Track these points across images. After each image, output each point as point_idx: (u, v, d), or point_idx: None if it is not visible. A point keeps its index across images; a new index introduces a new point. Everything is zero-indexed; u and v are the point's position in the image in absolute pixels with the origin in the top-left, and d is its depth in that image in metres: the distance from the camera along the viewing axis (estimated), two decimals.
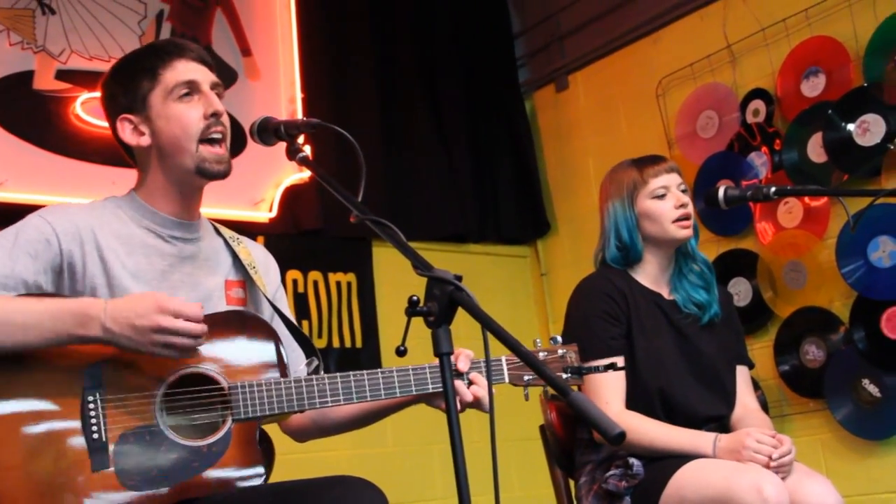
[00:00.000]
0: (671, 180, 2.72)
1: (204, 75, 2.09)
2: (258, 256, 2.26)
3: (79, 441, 1.82)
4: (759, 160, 4.02)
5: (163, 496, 1.83)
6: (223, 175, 2.10)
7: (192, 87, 2.07)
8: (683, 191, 2.74)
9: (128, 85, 2.09)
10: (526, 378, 2.14)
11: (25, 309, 1.82)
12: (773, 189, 2.55)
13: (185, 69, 2.07)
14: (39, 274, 1.92)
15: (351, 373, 2.02)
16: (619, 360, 2.63)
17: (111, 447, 1.83)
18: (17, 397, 1.82)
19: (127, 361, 1.88)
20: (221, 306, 2.09)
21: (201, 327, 1.85)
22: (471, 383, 2.06)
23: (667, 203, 2.71)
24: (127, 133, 2.09)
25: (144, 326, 1.80)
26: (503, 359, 2.14)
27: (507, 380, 2.14)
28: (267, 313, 2.18)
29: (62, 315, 1.82)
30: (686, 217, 2.71)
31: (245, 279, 2.17)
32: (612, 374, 2.59)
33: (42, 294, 1.91)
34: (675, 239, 2.73)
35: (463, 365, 2.08)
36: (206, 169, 2.07)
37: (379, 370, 2.04)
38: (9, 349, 1.81)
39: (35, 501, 1.77)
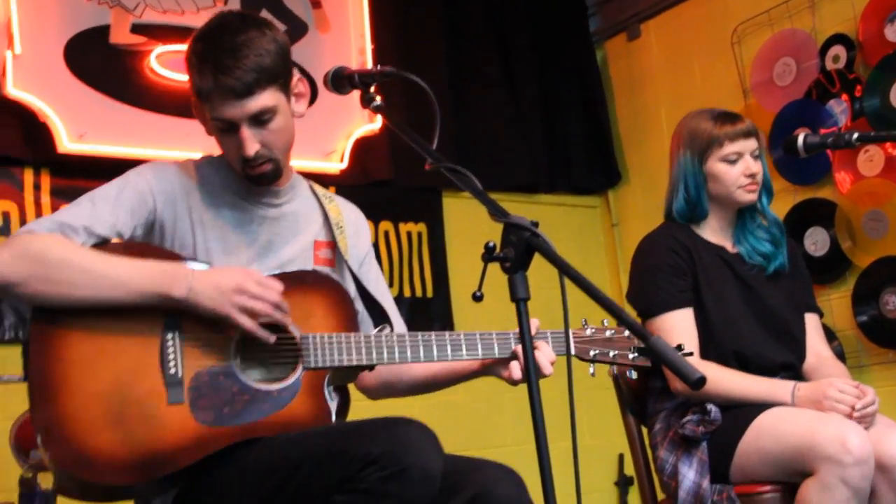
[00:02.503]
0: (746, 146, 2.67)
1: (241, 112, 1.98)
2: (349, 217, 2.28)
3: (156, 375, 1.88)
4: (839, 107, 3.92)
5: (231, 434, 1.89)
6: (274, 181, 2.10)
7: (228, 125, 2.00)
8: (757, 156, 2.69)
9: (189, 75, 2.04)
10: (592, 353, 2.15)
11: (117, 264, 1.89)
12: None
13: (221, 107, 1.98)
14: (133, 229, 2.00)
15: (420, 333, 2.06)
16: (689, 313, 2.62)
17: (186, 383, 1.89)
18: (101, 333, 1.88)
19: None
20: (309, 266, 2.14)
21: (279, 297, 1.91)
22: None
23: (736, 168, 2.67)
24: (196, 113, 2.10)
25: (229, 287, 1.87)
26: (570, 332, 2.14)
27: (573, 352, 2.14)
28: (347, 274, 2.21)
29: (152, 274, 1.89)
30: (752, 184, 2.67)
31: (333, 241, 2.21)
32: (683, 328, 2.59)
33: (133, 247, 1.97)
34: (739, 203, 2.71)
35: (532, 327, 2.08)
36: (255, 181, 2.09)
37: (447, 333, 2.08)
38: (98, 303, 1.88)
39: (111, 428, 1.83)
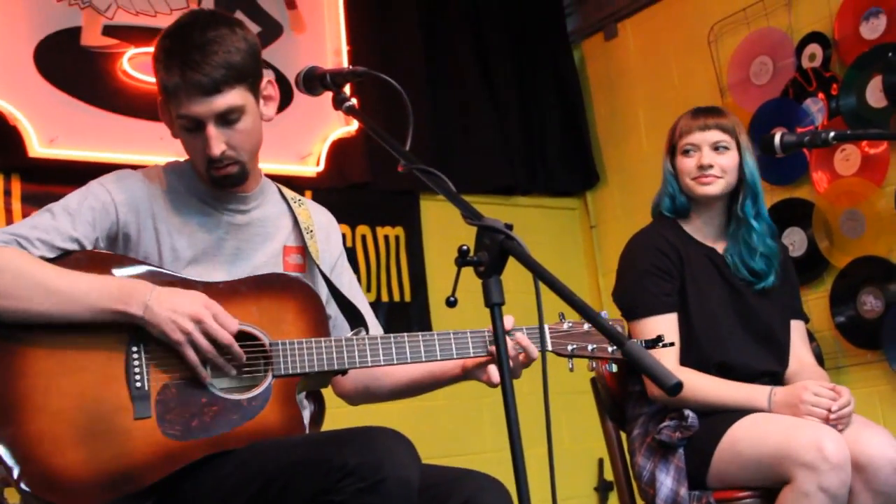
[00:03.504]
0: (702, 138, 2.66)
1: (208, 109, 1.92)
2: (319, 220, 2.23)
3: (122, 389, 1.84)
4: (815, 106, 3.91)
5: (201, 446, 1.85)
6: (240, 184, 2.05)
7: (194, 124, 1.95)
8: (720, 149, 2.66)
9: (156, 72, 1.98)
10: (570, 348, 2.11)
11: (74, 278, 1.85)
12: (831, 134, 2.48)
13: (188, 104, 1.92)
14: (95, 241, 1.95)
15: (392, 335, 2.01)
16: (673, 318, 2.60)
17: (153, 396, 1.85)
18: (64, 347, 1.84)
19: None
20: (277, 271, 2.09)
21: (230, 340, 1.86)
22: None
23: (691, 160, 2.67)
24: (161, 114, 2.04)
25: (185, 312, 1.83)
26: (546, 327, 2.08)
27: (550, 347, 2.10)
28: (319, 279, 2.16)
29: (108, 288, 1.84)
30: (704, 176, 2.64)
31: (303, 245, 2.15)
32: (665, 329, 2.56)
33: (97, 258, 1.93)
34: (696, 194, 2.69)
35: (507, 323, 2.05)
36: (220, 183, 2.03)
37: (420, 334, 2.03)
38: (54, 318, 1.83)
39: (77, 446, 1.79)
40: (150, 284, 1.86)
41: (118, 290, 1.84)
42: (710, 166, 2.64)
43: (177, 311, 1.83)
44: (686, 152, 2.68)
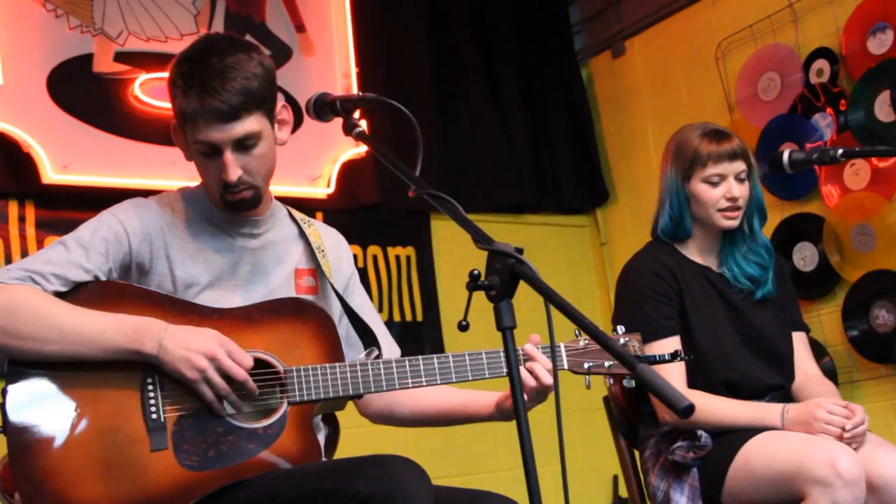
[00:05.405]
0: (730, 168, 2.61)
1: (226, 135, 1.93)
2: (329, 241, 2.23)
3: (138, 421, 1.84)
4: (824, 121, 3.92)
5: (220, 476, 1.85)
6: (253, 208, 2.06)
7: (211, 149, 1.96)
8: (742, 179, 2.63)
9: (173, 96, 1.99)
10: (586, 365, 2.08)
11: (88, 318, 1.85)
12: (839, 151, 2.47)
13: (206, 130, 1.93)
14: (108, 272, 1.96)
15: (407, 358, 2.01)
16: (676, 340, 2.58)
17: (169, 428, 1.86)
18: (79, 380, 1.85)
19: None
20: (290, 295, 2.10)
21: (245, 376, 1.87)
22: (528, 359, 2.02)
23: (717, 191, 2.61)
24: (175, 137, 2.06)
25: (199, 350, 1.84)
26: (562, 345, 2.08)
27: (566, 366, 2.08)
28: (332, 299, 2.17)
29: (122, 328, 1.85)
30: (733, 209, 2.62)
31: (315, 266, 2.16)
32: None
33: (110, 289, 1.94)
34: (718, 226, 2.65)
35: (534, 339, 2.05)
36: (234, 207, 2.04)
37: (434, 356, 2.02)
38: (69, 358, 1.84)
39: (95, 479, 1.79)
40: (164, 323, 1.87)
41: (132, 329, 1.85)
42: (737, 198, 2.62)
43: (191, 348, 1.84)
44: (713, 183, 2.62)
